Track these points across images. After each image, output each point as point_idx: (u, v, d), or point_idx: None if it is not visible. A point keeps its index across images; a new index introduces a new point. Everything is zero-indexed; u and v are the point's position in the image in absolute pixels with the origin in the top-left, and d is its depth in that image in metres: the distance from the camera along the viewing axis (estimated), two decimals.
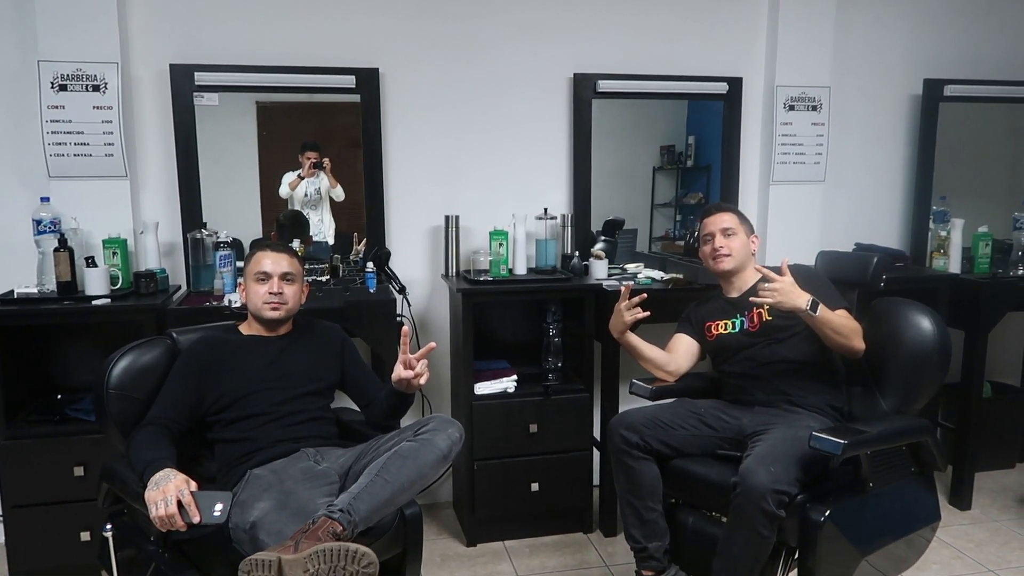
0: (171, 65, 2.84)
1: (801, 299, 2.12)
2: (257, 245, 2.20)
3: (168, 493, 1.66)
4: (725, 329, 2.39)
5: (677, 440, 2.24)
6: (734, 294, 2.41)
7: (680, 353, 2.47)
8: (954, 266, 3.33)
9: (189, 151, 2.89)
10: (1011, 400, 3.67)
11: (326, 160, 3.08)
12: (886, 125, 3.58)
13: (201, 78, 2.85)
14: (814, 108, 3.36)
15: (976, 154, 3.69)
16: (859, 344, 2.20)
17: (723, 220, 2.38)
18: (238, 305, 2.51)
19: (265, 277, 2.10)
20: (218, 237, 2.81)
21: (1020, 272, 3.26)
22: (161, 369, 2.05)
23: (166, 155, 2.91)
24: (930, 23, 3.55)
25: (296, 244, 2.91)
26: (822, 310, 2.13)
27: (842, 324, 2.17)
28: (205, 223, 2.89)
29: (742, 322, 2.36)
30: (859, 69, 3.49)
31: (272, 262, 2.11)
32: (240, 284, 2.19)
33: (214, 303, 2.62)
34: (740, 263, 2.38)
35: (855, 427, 2.01)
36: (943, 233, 3.38)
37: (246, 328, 2.18)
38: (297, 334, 2.19)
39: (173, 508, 1.65)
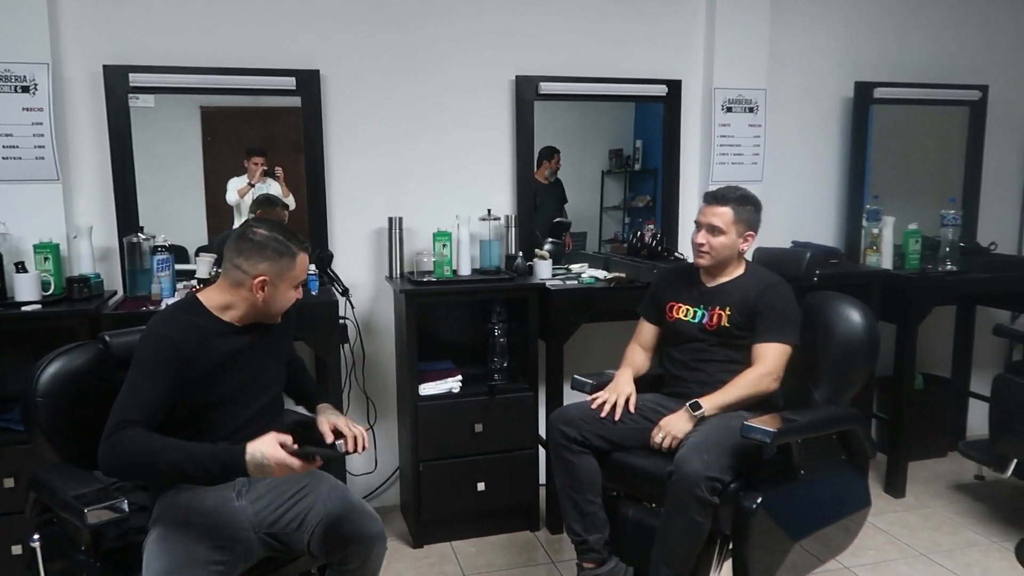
0: (105, 66, 2.79)
1: (684, 424, 2.17)
2: (300, 246, 1.83)
3: (283, 462, 1.60)
4: (685, 316, 2.40)
5: (616, 434, 2.27)
6: (708, 283, 2.40)
7: (647, 347, 2.51)
8: (886, 262, 3.44)
9: (124, 154, 2.85)
10: (942, 391, 3.81)
11: (278, 168, 3.07)
12: (821, 126, 3.69)
13: (136, 79, 2.81)
14: (751, 110, 3.45)
15: (907, 154, 3.83)
16: (768, 389, 2.24)
17: (714, 215, 2.30)
18: None
19: (301, 285, 1.89)
20: (155, 241, 2.77)
21: (948, 267, 3.39)
22: (93, 375, 2.01)
23: (101, 158, 2.86)
24: (861, 28, 3.67)
25: None
26: (709, 406, 2.18)
27: (739, 396, 2.21)
28: (142, 227, 2.85)
29: (703, 316, 2.36)
30: (794, 72, 3.59)
31: (306, 269, 1.91)
32: (260, 279, 1.78)
33: (151, 308, 2.58)
34: (720, 262, 2.35)
35: (786, 416, 2.07)
36: (875, 231, 3.49)
37: (218, 311, 1.84)
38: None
39: (300, 463, 1.62)
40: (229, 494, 1.81)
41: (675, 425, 2.18)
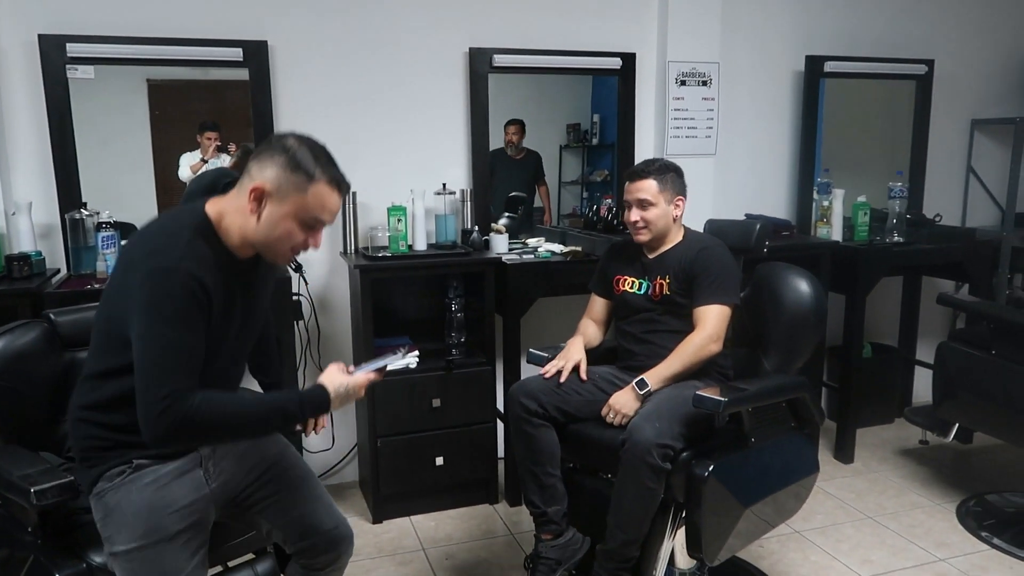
0: (40, 35, 2.69)
1: (632, 402, 2.20)
2: (327, 174, 1.52)
3: (364, 384, 1.62)
4: (631, 288, 2.43)
5: (573, 405, 2.30)
6: (650, 255, 2.43)
7: (599, 321, 2.55)
8: (836, 234, 3.52)
9: (64, 128, 2.76)
10: (889, 360, 3.93)
11: (232, 145, 3.00)
12: (773, 100, 3.74)
13: (74, 49, 2.71)
14: (704, 83, 3.48)
15: (857, 128, 3.91)
16: (710, 352, 2.27)
17: (640, 190, 2.34)
18: None
19: (320, 226, 1.55)
20: (99, 218, 2.70)
21: (895, 239, 3.48)
22: (38, 355, 1.96)
23: (39, 132, 2.77)
24: (813, 1, 3.70)
25: None
26: (654, 380, 2.22)
27: (682, 364, 2.25)
28: (85, 203, 2.77)
29: (648, 286, 2.40)
30: (746, 45, 3.62)
31: (335, 214, 1.57)
32: (257, 188, 1.47)
33: (97, 286, 2.52)
34: (658, 233, 2.37)
35: (736, 386, 2.12)
36: (826, 203, 3.56)
37: (226, 235, 1.53)
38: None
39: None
40: (199, 478, 1.60)
41: (623, 403, 2.22)
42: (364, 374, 1.61)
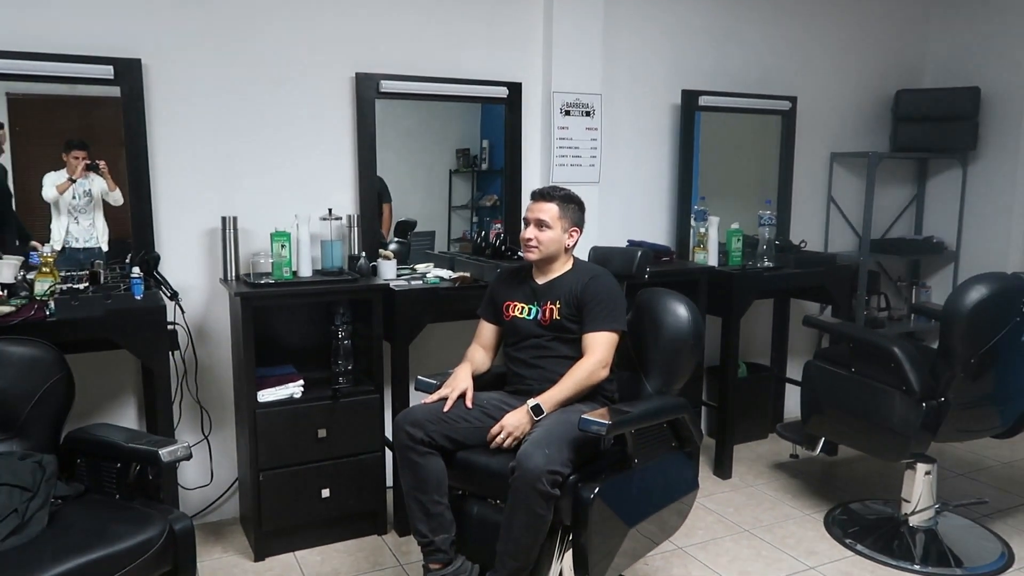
0: None
1: (525, 424, 2.23)
2: None
3: None
4: (520, 313, 2.48)
5: (461, 433, 2.29)
6: (540, 280, 2.48)
7: (488, 347, 2.57)
8: (712, 259, 3.68)
9: None
10: (763, 378, 4.14)
11: (102, 162, 2.84)
12: (653, 131, 3.89)
13: None
14: (588, 114, 3.58)
15: (729, 159, 4.11)
16: (600, 377, 2.35)
17: (541, 211, 2.41)
18: None
19: None
20: None
21: (765, 264, 3.68)
22: None
23: None
24: (688, 38, 3.90)
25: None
26: (548, 405, 2.26)
27: (574, 389, 2.31)
28: None
29: (537, 312, 2.44)
30: (627, 78, 3.77)
31: None
32: None
33: None
34: (548, 256, 2.43)
35: (620, 408, 2.18)
36: (702, 230, 3.73)
37: None
38: None
39: None
40: None
41: (515, 424, 2.24)
42: None
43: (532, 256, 2.44)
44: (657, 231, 3.94)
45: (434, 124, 3.60)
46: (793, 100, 4.09)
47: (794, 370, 4.12)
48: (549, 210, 2.41)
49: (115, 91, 2.79)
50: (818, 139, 4.32)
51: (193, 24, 2.92)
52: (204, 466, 3.04)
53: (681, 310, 2.44)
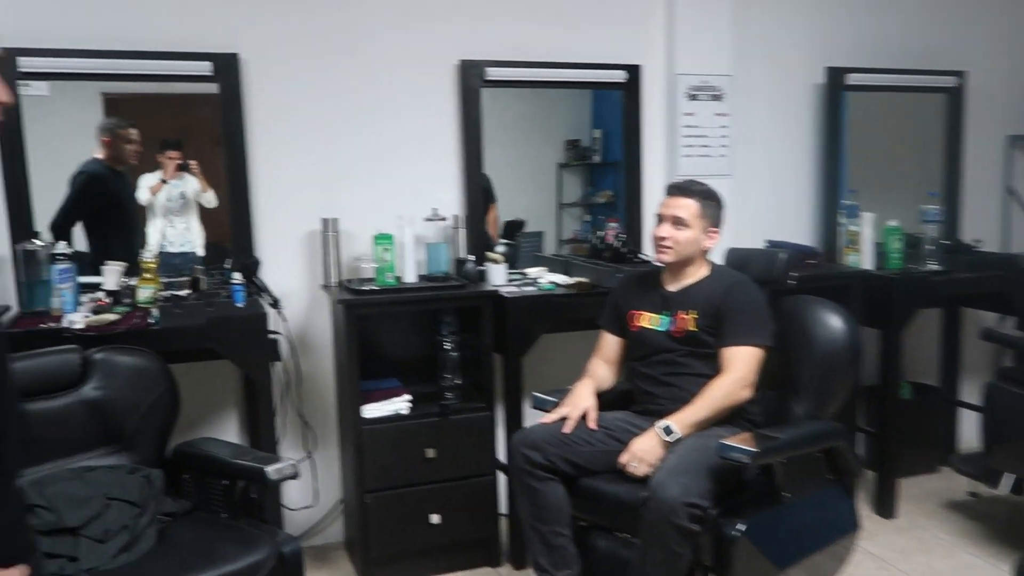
0: None
1: (656, 449, 2.20)
2: None
3: None
4: (650, 324, 2.45)
5: (584, 457, 2.29)
6: (671, 287, 2.45)
7: (611, 361, 2.55)
8: (867, 262, 3.53)
9: (15, 150, 2.75)
10: (931, 401, 3.93)
11: (193, 162, 3.02)
12: (791, 115, 3.78)
13: (27, 64, 2.70)
14: (717, 98, 3.51)
15: (884, 146, 3.95)
16: (741, 398, 2.30)
17: (678, 207, 2.38)
18: (80, 327, 2.42)
19: None
20: (54, 249, 2.69)
21: (931, 267, 3.50)
22: None
23: None
24: (832, 9, 3.77)
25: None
26: (681, 426, 2.22)
27: (711, 410, 2.26)
28: (37, 232, 2.77)
29: (669, 322, 2.41)
30: (761, 57, 3.66)
31: None
32: None
33: (52, 324, 2.50)
34: (683, 258, 2.41)
35: (766, 434, 2.13)
36: (854, 228, 3.59)
37: None
38: None
39: None
40: None
41: (646, 450, 2.22)
42: None
43: (666, 258, 2.41)
44: (800, 230, 3.82)
45: (540, 114, 3.62)
46: (961, 75, 3.88)
47: (968, 392, 3.92)
48: (688, 206, 2.38)
49: (213, 88, 2.94)
50: (992, 120, 4.08)
51: (291, 17, 3.04)
52: (307, 485, 3.15)
53: (835, 321, 2.37)
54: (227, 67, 2.94)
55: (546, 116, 3.64)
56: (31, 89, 2.78)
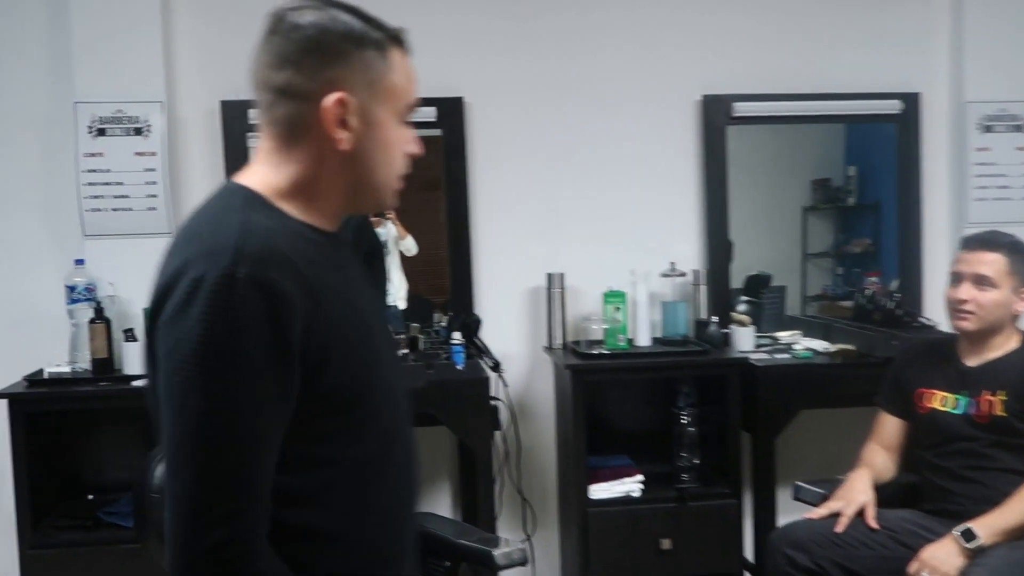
0: (222, 102, 2.93)
1: (954, 559, 2.00)
2: (385, 30, 1.18)
3: None
4: (943, 405, 2.28)
5: (860, 563, 2.15)
6: (971, 361, 2.28)
7: (892, 448, 2.40)
8: None
9: None
10: None
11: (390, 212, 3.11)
12: None
13: None
14: (1018, 128, 3.24)
15: None
16: None
17: (982, 263, 2.23)
18: None
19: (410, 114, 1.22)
20: None
21: None
22: None
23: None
24: None
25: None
26: (987, 534, 2.01)
27: None
28: None
29: (968, 404, 2.23)
30: None
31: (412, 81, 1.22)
32: (336, 98, 1.09)
33: None
34: (988, 326, 2.24)
35: None
36: None
37: (299, 211, 1.14)
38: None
39: None
40: None
41: (941, 559, 2.02)
42: None
43: (967, 325, 2.23)
44: None
45: (785, 150, 3.49)
46: None
47: None
48: (993, 263, 2.21)
49: (435, 132, 3.01)
50: None
51: (519, 58, 3.11)
52: (525, 572, 3.08)
53: None
54: (452, 111, 3.03)
55: (790, 153, 3.51)
56: None
